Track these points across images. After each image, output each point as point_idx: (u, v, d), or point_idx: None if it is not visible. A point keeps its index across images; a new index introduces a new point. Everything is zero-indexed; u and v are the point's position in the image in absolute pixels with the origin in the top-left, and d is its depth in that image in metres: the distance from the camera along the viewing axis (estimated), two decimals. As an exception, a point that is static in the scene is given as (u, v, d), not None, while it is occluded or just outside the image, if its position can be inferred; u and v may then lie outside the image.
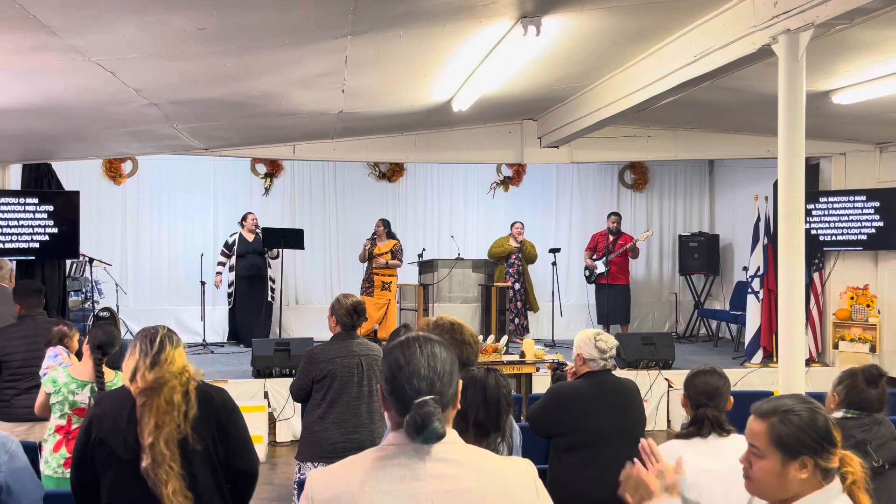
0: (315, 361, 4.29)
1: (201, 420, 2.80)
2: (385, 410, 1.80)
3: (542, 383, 6.72)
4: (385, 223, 10.08)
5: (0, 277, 6.88)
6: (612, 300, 10.37)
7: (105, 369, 4.01)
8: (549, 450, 3.81)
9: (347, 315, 4.33)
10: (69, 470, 2.95)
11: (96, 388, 3.93)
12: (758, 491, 2.02)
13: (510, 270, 10.18)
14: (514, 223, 10.44)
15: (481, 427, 2.26)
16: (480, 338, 6.61)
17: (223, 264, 10.09)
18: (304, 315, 11.01)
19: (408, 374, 1.73)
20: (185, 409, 2.77)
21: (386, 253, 9.87)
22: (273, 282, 10.27)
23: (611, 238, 10.51)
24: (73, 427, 3.96)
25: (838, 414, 3.25)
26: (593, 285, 10.79)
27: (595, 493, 3.40)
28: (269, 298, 10.17)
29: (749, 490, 2.05)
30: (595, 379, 3.79)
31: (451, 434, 1.78)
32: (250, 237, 10.11)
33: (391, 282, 9.95)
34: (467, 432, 2.21)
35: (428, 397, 1.70)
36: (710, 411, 2.98)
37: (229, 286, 10.10)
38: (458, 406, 1.82)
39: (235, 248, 10.04)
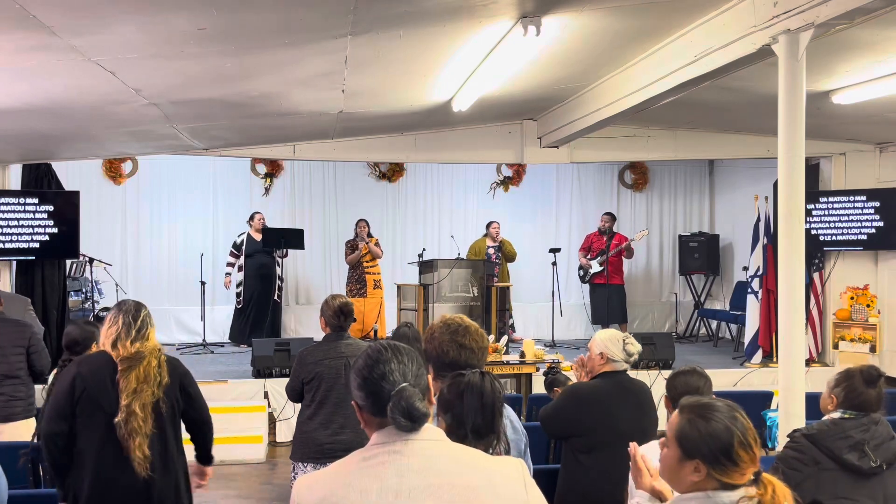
0: (304, 363, 4.34)
1: (170, 385, 3.45)
2: (363, 423, 1.81)
3: (541, 383, 6.71)
4: (367, 223, 10.11)
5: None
6: (609, 300, 10.36)
7: None
8: (564, 450, 3.80)
9: (335, 316, 4.36)
10: None
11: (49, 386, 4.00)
12: (662, 475, 2.10)
13: (494, 270, 10.16)
14: (491, 223, 10.32)
15: (478, 432, 2.26)
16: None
17: (232, 265, 10.08)
18: (305, 315, 11.02)
19: (380, 372, 1.77)
20: (160, 379, 3.38)
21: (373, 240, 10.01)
22: (281, 280, 10.29)
23: (604, 238, 10.50)
24: None
25: (836, 414, 3.24)
26: (587, 285, 10.78)
27: (615, 493, 3.39)
28: (276, 297, 10.18)
29: (659, 473, 2.13)
30: (614, 379, 3.79)
31: (437, 432, 1.79)
32: (258, 237, 10.11)
33: (380, 279, 10.04)
34: (466, 438, 2.20)
35: (404, 384, 1.75)
36: None
37: (238, 286, 10.10)
38: (433, 402, 1.83)
39: (244, 247, 10.05)
